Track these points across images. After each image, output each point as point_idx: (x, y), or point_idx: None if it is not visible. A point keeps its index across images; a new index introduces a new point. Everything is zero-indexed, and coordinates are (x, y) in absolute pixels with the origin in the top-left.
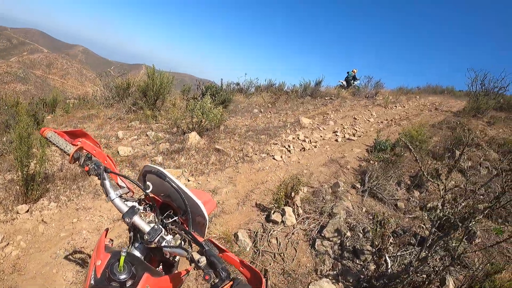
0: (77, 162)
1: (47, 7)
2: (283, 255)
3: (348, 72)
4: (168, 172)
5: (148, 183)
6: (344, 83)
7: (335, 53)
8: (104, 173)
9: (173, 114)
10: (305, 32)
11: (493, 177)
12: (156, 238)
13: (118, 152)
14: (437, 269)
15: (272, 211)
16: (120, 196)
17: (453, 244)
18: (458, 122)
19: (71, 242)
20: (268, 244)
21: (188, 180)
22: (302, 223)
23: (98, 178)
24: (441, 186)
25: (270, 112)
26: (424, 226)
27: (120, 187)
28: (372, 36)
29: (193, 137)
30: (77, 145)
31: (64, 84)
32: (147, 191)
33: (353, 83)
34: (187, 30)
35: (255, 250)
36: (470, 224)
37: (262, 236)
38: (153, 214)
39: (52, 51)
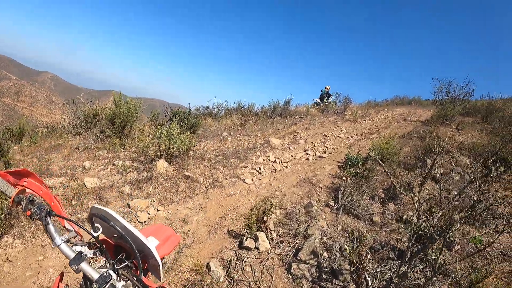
0: (19, 206)
1: (14, 34)
2: (259, 283)
3: (321, 90)
4: (114, 213)
5: (97, 225)
6: (318, 100)
7: (303, 72)
8: (48, 218)
9: (140, 142)
10: (272, 53)
11: (467, 184)
12: (105, 286)
13: (84, 183)
14: (419, 282)
15: (245, 238)
16: (67, 241)
17: (433, 256)
18: (427, 131)
19: (38, 282)
20: (243, 273)
21: (158, 210)
22: (277, 247)
23: (41, 223)
24: (415, 198)
25: (239, 134)
26: (401, 239)
27: (68, 230)
28: (337, 53)
29: (161, 164)
30: (22, 185)
31: (33, 112)
32: (96, 234)
33: (327, 100)
34: (157, 55)
35: (229, 280)
36: (448, 236)
37: (236, 264)
38: (104, 259)
39: (21, 78)
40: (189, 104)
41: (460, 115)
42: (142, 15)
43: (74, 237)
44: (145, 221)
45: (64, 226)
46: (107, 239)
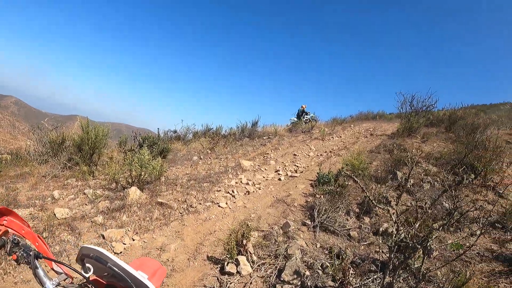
0: (2, 249)
1: None
2: None
3: (298, 109)
4: (107, 252)
5: (88, 265)
6: (295, 118)
7: (269, 93)
8: (36, 261)
9: (110, 169)
10: (237, 76)
11: (442, 193)
12: None
13: (55, 214)
14: None
15: (226, 263)
16: (58, 285)
17: (416, 265)
18: (394, 144)
19: None
20: None
21: (133, 240)
22: (259, 270)
23: (29, 267)
24: (392, 211)
25: (210, 157)
26: (381, 251)
27: (57, 272)
28: (301, 73)
29: (134, 192)
30: (2, 225)
31: None
32: (87, 275)
33: (304, 117)
34: (121, 79)
35: None
36: (428, 244)
37: None
38: None
39: None
40: (158, 129)
41: (424, 126)
42: (104, 37)
43: (64, 280)
44: (121, 252)
45: (53, 268)
46: (99, 279)
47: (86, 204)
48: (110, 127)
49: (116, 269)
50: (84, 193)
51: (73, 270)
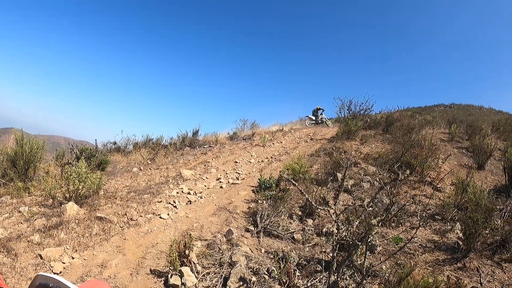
0: None
1: None
2: None
3: (313, 109)
4: (68, 282)
5: None
6: (312, 116)
7: (210, 103)
8: None
9: (46, 184)
10: (177, 87)
11: (379, 191)
12: None
13: None
14: (350, 287)
15: (170, 275)
16: None
17: (359, 261)
18: (333, 147)
19: None
20: None
21: (73, 258)
22: (204, 280)
23: None
24: (331, 211)
25: (150, 168)
26: (325, 251)
27: None
28: (237, 81)
29: (71, 207)
30: None
31: None
32: None
33: (320, 116)
34: (59, 90)
35: None
36: (369, 240)
37: None
38: None
39: None
40: (96, 140)
41: (363, 129)
42: (39, 44)
43: None
44: (60, 272)
45: None
46: None
47: (21, 223)
48: (46, 139)
49: None
50: (20, 211)
51: None
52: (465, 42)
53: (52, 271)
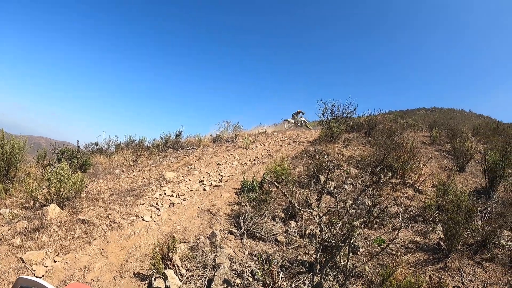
0: None
1: None
2: None
3: (293, 112)
4: (49, 285)
5: None
6: (291, 119)
7: (193, 106)
8: None
9: (27, 186)
10: (159, 89)
11: (361, 193)
12: None
13: None
14: None
15: (153, 278)
16: None
17: (342, 262)
18: (316, 150)
19: None
20: None
21: (55, 261)
22: (188, 282)
23: None
24: (314, 213)
25: (133, 170)
26: (309, 253)
27: None
28: (223, 83)
29: (52, 209)
30: None
31: None
32: None
33: (299, 118)
34: (39, 89)
35: None
36: (352, 241)
37: None
38: None
39: None
40: (78, 141)
41: (345, 132)
42: (20, 41)
43: None
44: (43, 275)
45: None
46: None
47: (2, 226)
48: (27, 140)
49: None
50: (0, 213)
51: None
52: (449, 47)
53: (34, 274)
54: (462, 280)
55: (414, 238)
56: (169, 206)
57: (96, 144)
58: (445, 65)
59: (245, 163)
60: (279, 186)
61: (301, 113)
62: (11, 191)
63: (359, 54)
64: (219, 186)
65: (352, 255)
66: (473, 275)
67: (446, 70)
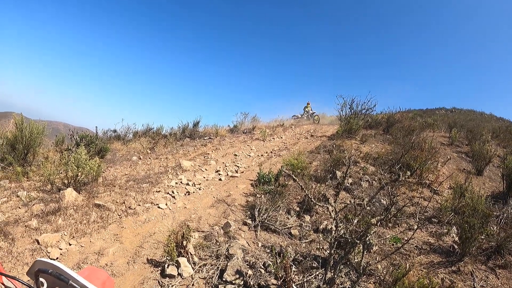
0: None
1: None
2: None
3: (304, 106)
4: (67, 269)
5: (41, 279)
6: (299, 115)
7: (210, 95)
8: None
9: (45, 170)
10: (181, 77)
11: (379, 190)
12: None
13: None
14: (346, 285)
15: (166, 265)
16: None
17: (355, 260)
18: (333, 145)
19: None
20: None
21: (70, 244)
22: (200, 271)
23: None
24: (331, 208)
25: (149, 158)
26: (322, 248)
27: None
28: (243, 74)
29: (69, 193)
30: None
31: None
32: None
33: (309, 111)
34: (59, 75)
35: None
36: (368, 239)
37: None
38: None
39: None
40: (96, 127)
41: (363, 128)
42: (41, 29)
43: None
44: (57, 258)
45: (3, 283)
46: None
47: (19, 208)
48: (46, 124)
49: (78, 287)
50: (18, 196)
51: (26, 285)
52: (475, 48)
53: (48, 256)
54: (474, 285)
55: (428, 239)
56: (185, 194)
57: (114, 131)
58: (467, 66)
59: (261, 155)
60: (297, 179)
61: (310, 106)
62: (29, 174)
63: (382, 49)
64: (235, 177)
65: (365, 253)
66: (485, 281)
67: (468, 71)
